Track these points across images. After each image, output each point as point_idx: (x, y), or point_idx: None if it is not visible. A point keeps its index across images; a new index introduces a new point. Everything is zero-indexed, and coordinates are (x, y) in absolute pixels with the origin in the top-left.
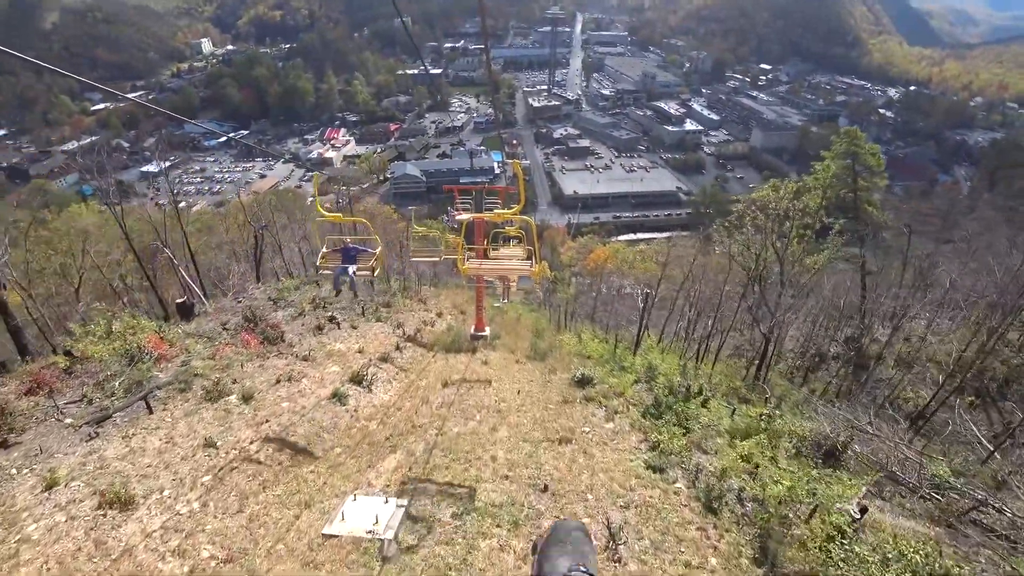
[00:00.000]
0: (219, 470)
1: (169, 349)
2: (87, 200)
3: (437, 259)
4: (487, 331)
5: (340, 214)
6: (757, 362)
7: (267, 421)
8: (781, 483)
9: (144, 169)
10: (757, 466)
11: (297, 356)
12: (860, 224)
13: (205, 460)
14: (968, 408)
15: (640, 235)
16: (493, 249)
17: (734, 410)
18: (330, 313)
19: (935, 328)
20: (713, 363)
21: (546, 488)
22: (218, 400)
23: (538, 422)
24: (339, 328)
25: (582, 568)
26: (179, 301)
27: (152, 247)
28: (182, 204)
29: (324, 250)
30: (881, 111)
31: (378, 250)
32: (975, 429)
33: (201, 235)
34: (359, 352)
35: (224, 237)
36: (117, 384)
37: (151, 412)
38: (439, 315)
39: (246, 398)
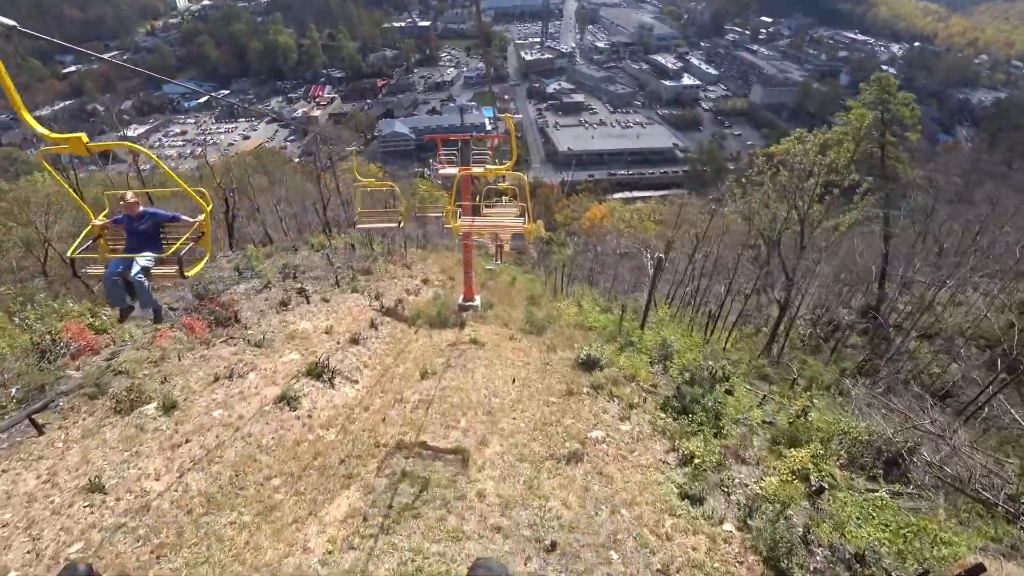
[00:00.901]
0: (98, 532)
1: (96, 339)
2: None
3: (394, 225)
4: (477, 300)
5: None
6: (770, 332)
7: (188, 441)
8: (864, 525)
9: (123, 133)
10: (821, 491)
11: (249, 342)
12: (886, 183)
13: (83, 516)
14: (999, 385)
15: (636, 193)
16: (486, 207)
17: (764, 397)
18: (300, 284)
19: (961, 298)
20: (728, 335)
21: (554, 546)
22: (131, 412)
23: (538, 426)
24: (308, 302)
25: None
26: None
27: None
28: (183, 168)
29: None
30: (884, 68)
31: (200, 217)
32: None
33: (177, 201)
34: (326, 333)
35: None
36: (14, 391)
37: (40, 432)
38: (424, 282)
39: (168, 407)
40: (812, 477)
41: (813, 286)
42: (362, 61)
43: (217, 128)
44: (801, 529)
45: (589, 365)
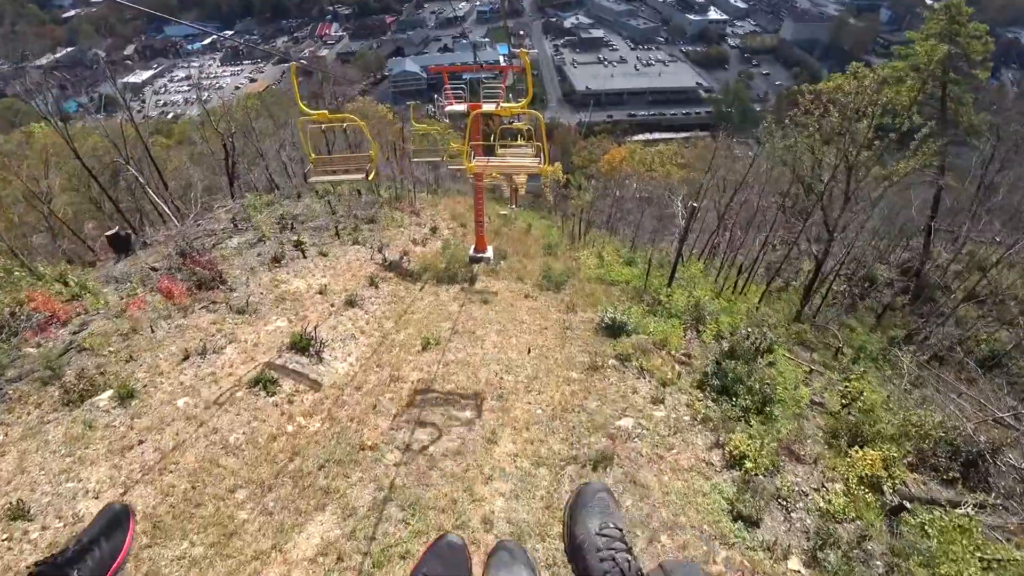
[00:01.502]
0: None
1: (66, 308)
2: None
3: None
4: (489, 252)
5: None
6: (804, 290)
7: (142, 442)
8: (959, 561)
9: (126, 80)
10: (901, 509)
11: (232, 307)
12: (945, 127)
13: None
14: None
15: (657, 135)
16: (501, 147)
17: (811, 370)
18: (297, 236)
19: (1016, 259)
20: (763, 294)
21: None
22: (81, 403)
23: (558, 413)
24: (304, 256)
25: (612, 524)
26: (109, 233)
27: (117, 165)
28: (170, 115)
29: None
30: (929, 2)
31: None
32: None
33: (182, 148)
34: (320, 293)
35: (204, 149)
36: None
37: None
38: (433, 230)
39: (124, 396)
40: (885, 487)
41: (852, 240)
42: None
43: (223, 71)
44: (882, 567)
45: (614, 330)
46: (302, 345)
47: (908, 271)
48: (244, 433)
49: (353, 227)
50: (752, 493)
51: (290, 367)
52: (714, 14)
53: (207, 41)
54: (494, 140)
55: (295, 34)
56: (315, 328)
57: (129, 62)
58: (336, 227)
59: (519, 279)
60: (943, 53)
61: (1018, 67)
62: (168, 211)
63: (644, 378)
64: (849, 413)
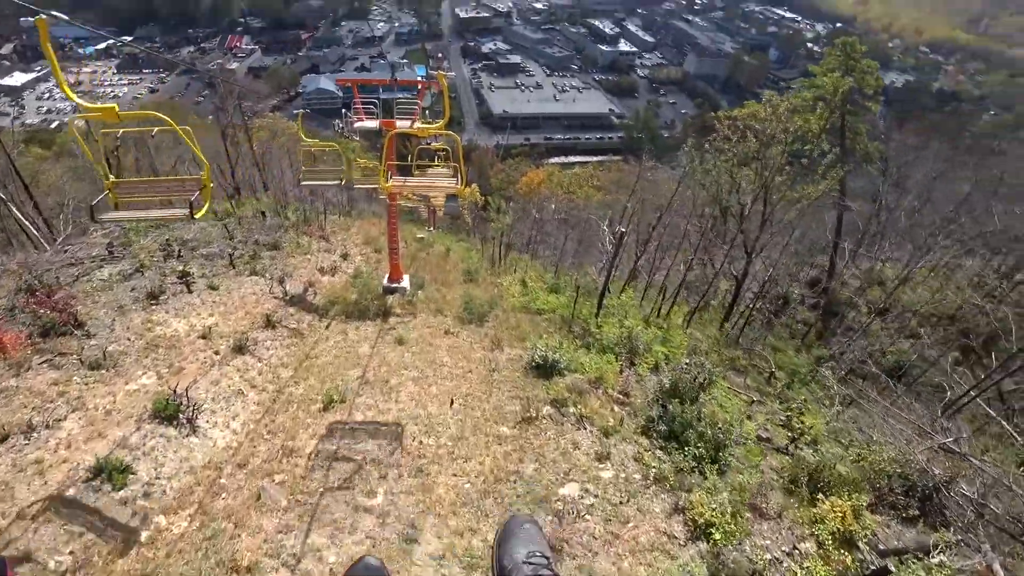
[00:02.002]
0: None
1: None
2: None
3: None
4: (405, 281)
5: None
6: (726, 310)
7: None
8: None
9: (2, 82)
10: (886, 572)
11: (85, 360)
12: (845, 154)
13: None
14: (953, 365)
15: (572, 158)
16: (418, 168)
17: (751, 401)
18: (183, 265)
19: (911, 273)
20: (689, 317)
21: None
22: None
23: (490, 485)
24: (189, 291)
25: (539, 553)
26: None
27: None
28: (55, 124)
29: None
30: (809, 45)
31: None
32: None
33: (61, 160)
34: (203, 338)
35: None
36: None
37: None
38: (344, 257)
39: None
40: (860, 543)
41: (773, 260)
42: (285, 10)
43: (119, 79)
44: None
45: (546, 370)
46: (169, 412)
47: (816, 287)
48: (72, 554)
49: (252, 255)
50: (726, 572)
51: (149, 444)
52: (624, 46)
53: (102, 46)
54: (411, 160)
55: (202, 44)
56: (189, 386)
57: (7, 63)
58: (231, 255)
59: (438, 311)
60: (848, 85)
61: (884, 103)
62: (36, 233)
63: (584, 428)
64: (798, 448)
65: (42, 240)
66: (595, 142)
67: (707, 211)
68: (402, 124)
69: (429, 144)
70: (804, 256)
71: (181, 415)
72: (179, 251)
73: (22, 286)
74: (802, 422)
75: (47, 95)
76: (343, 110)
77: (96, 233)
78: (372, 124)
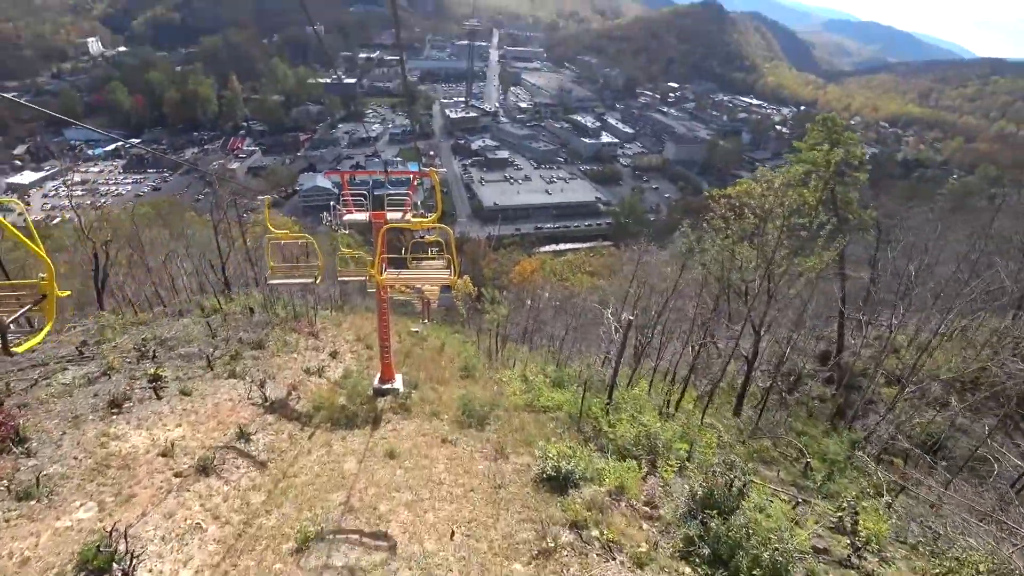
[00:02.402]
0: None
1: None
2: None
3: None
4: (398, 381)
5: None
6: (739, 392)
7: None
8: None
9: (11, 180)
10: None
11: (13, 489)
12: (839, 224)
13: None
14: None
15: (562, 246)
16: (412, 261)
17: (794, 503)
18: (157, 367)
19: (922, 338)
20: (704, 405)
21: None
22: None
23: None
24: (158, 397)
25: None
26: None
27: None
28: (56, 220)
29: None
30: (777, 127)
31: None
32: None
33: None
34: (163, 455)
35: (78, 257)
36: None
37: None
38: (333, 355)
39: None
40: None
41: (782, 337)
42: (285, 115)
43: (124, 178)
44: None
45: (559, 482)
46: (100, 563)
47: (827, 361)
48: None
49: (233, 354)
50: None
51: None
52: (606, 138)
53: (111, 148)
54: (405, 253)
55: (205, 146)
56: (133, 523)
57: (18, 162)
58: (211, 355)
59: (434, 415)
60: (839, 156)
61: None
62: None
63: (613, 557)
64: (862, 557)
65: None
66: (584, 229)
67: (707, 292)
68: (393, 216)
69: (423, 237)
70: (810, 329)
71: (116, 566)
72: (154, 352)
73: None
74: (861, 525)
75: (52, 193)
76: (331, 203)
77: (74, 329)
78: (362, 217)
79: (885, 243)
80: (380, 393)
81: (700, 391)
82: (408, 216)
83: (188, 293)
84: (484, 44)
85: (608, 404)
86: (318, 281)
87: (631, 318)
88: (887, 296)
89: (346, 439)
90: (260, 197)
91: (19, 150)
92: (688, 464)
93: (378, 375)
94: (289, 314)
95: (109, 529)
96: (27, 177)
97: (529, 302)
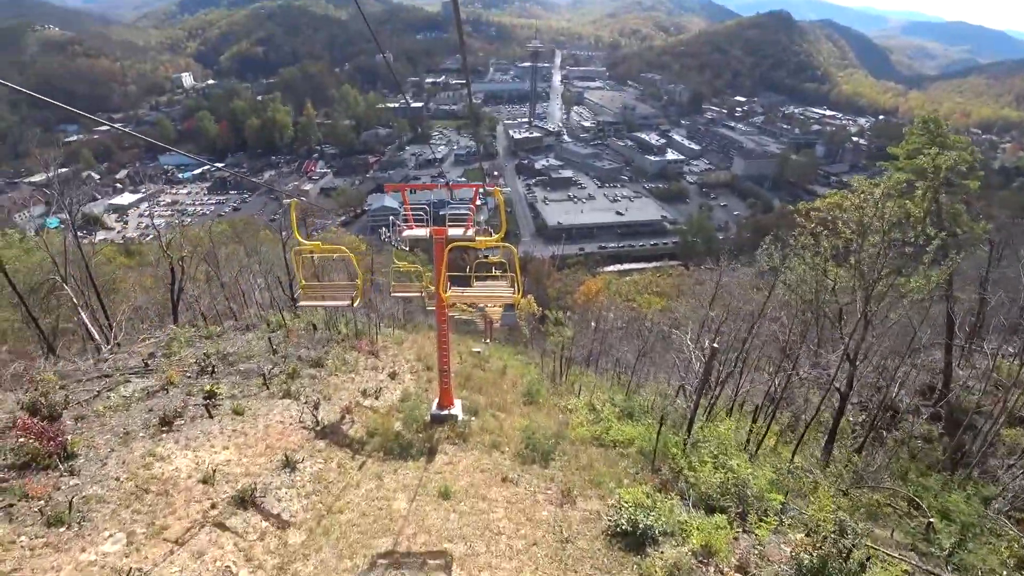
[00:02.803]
0: None
1: None
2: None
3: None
4: (457, 407)
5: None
6: (831, 429)
7: None
8: None
9: (112, 201)
10: None
11: (45, 512)
12: (947, 239)
13: None
14: None
15: (627, 265)
16: (476, 279)
17: None
18: (213, 384)
19: None
20: (796, 445)
21: None
22: None
23: None
24: (210, 415)
25: None
26: None
27: (50, 281)
28: (151, 236)
29: None
30: (855, 139)
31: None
32: None
33: (143, 270)
34: (204, 482)
35: (160, 271)
36: None
37: None
38: (392, 376)
39: None
40: None
41: (879, 365)
42: (356, 138)
43: (208, 199)
44: None
45: (635, 538)
46: None
47: (929, 394)
48: None
49: (291, 372)
50: None
51: None
52: (671, 155)
53: (198, 171)
54: (469, 271)
55: (282, 168)
56: (154, 566)
57: (119, 185)
58: (268, 373)
59: (494, 446)
60: (951, 161)
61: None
62: (97, 336)
63: None
64: None
65: (103, 343)
66: (649, 248)
67: (789, 315)
68: (454, 232)
69: (487, 256)
70: (908, 357)
71: None
72: (213, 367)
73: (25, 403)
74: None
75: (147, 213)
76: (391, 217)
77: (147, 341)
78: (422, 232)
79: (997, 260)
80: (438, 420)
81: (782, 426)
82: (470, 232)
83: (259, 308)
84: (546, 65)
85: (686, 441)
86: (356, 303)
87: (714, 345)
88: (999, 321)
89: (398, 472)
90: (286, 200)
91: (120, 175)
92: (784, 519)
93: (436, 400)
94: (351, 331)
95: (127, 571)
96: (126, 199)
97: (594, 324)
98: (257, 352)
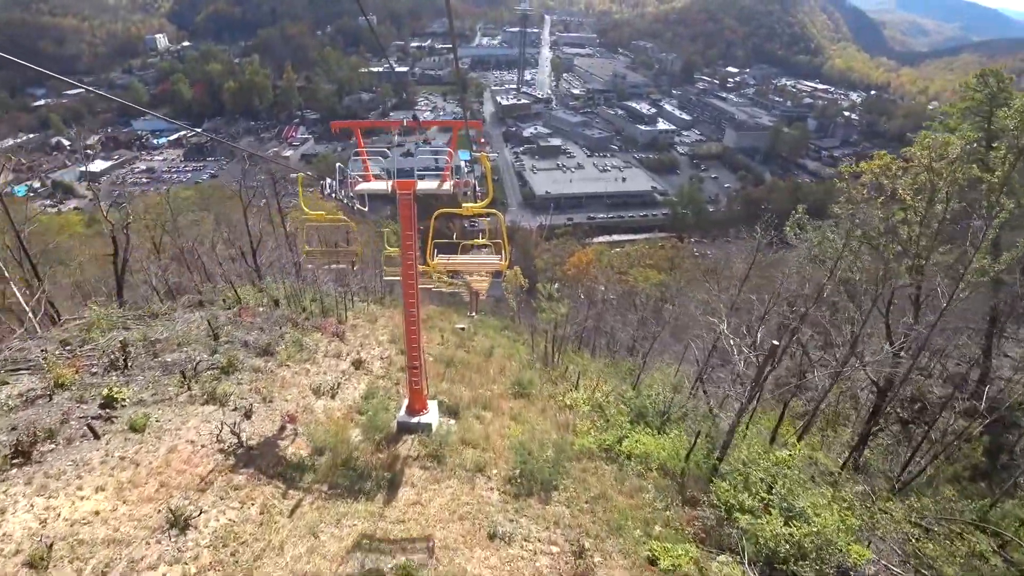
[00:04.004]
0: None
1: None
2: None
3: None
4: (431, 412)
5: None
6: (864, 429)
7: None
8: None
9: (84, 168)
10: None
11: None
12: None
13: None
14: None
15: (616, 236)
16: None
17: None
18: (111, 389)
19: None
20: (851, 456)
21: None
22: None
23: None
24: (95, 435)
25: None
26: None
27: None
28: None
29: None
30: (846, 113)
31: None
32: None
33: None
34: (30, 566)
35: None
36: None
37: None
38: (358, 365)
39: None
40: None
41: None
42: (338, 103)
43: (184, 166)
44: None
45: None
46: None
47: (964, 387)
48: None
49: (225, 366)
50: None
51: None
52: (662, 124)
53: (173, 137)
54: (457, 239)
55: (261, 134)
56: None
57: (90, 152)
58: (194, 369)
59: (478, 469)
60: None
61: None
62: (32, 315)
63: None
64: None
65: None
66: (639, 219)
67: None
68: (427, 185)
69: (473, 224)
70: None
71: None
72: (126, 360)
73: None
74: None
75: (120, 180)
76: (338, 165)
77: (70, 324)
78: (380, 186)
79: None
80: (406, 429)
81: (794, 413)
82: (447, 185)
83: (225, 281)
84: (536, 31)
85: (719, 460)
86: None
87: (776, 343)
88: None
89: (343, 521)
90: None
91: (92, 140)
92: None
93: (404, 403)
94: (319, 308)
95: None
96: (98, 165)
97: (588, 300)
98: (195, 338)
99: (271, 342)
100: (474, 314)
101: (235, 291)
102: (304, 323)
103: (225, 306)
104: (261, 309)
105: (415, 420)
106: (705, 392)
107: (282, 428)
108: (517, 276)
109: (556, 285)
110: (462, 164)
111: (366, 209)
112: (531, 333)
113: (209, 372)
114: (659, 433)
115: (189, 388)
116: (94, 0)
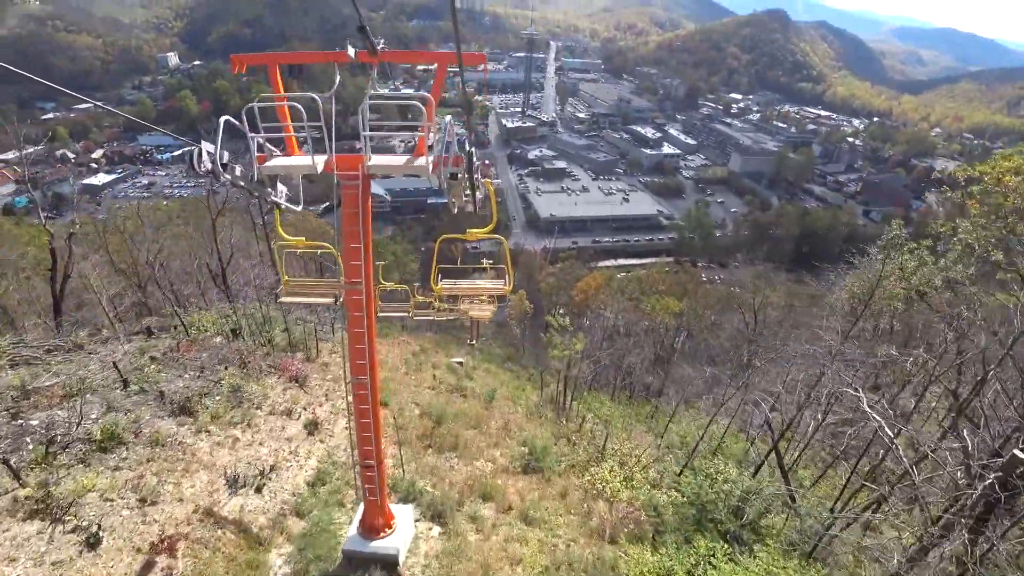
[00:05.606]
0: None
1: None
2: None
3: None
4: (398, 531)
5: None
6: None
7: None
8: None
9: (86, 181)
10: None
11: None
12: None
13: None
14: None
15: (622, 260)
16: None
17: None
18: None
19: None
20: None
21: None
22: None
23: None
24: None
25: None
26: None
27: None
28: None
29: None
30: (850, 139)
31: None
32: None
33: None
34: None
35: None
36: None
37: None
38: (312, 429)
39: None
40: None
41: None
42: (343, 122)
43: (187, 182)
44: None
45: None
46: None
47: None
48: None
49: (101, 438)
50: None
51: None
52: (667, 149)
53: (177, 152)
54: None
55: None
56: None
57: (94, 165)
58: (54, 442)
59: None
60: None
61: (937, 190)
62: None
63: None
64: None
65: None
66: (645, 243)
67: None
68: (384, 161)
69: (475, 247)
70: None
71: None
72: None
73: None
74: None
75: (121, 194)
76: (222, 118)
77: None
78: (304, 161)
79: None
80: (358, 562)
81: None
82: (422, 162)
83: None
84: (541, 56)
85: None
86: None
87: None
88: None
89: None
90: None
91: (96, 154)
92: None
93: (358, 517)
94: (287, 340)
95: None
96: (100, 179)
97: (601, 332)
98: (98, 384)
99: (200, 392)
100: (474, 342)
101: (180, 319)
102: (260, 362)
103: (175, 336)
104: (218, 340)
105: (371, 546)
106: (784, 474)
107: (147, 568)
108: (522, 301)
109: (562, 311)
110: (452, 129)
111: (298, 208)
112: (539, 371)
113: (64, 454)
114: (740, 547)
115: (21, 484)
116: (109, 18)
